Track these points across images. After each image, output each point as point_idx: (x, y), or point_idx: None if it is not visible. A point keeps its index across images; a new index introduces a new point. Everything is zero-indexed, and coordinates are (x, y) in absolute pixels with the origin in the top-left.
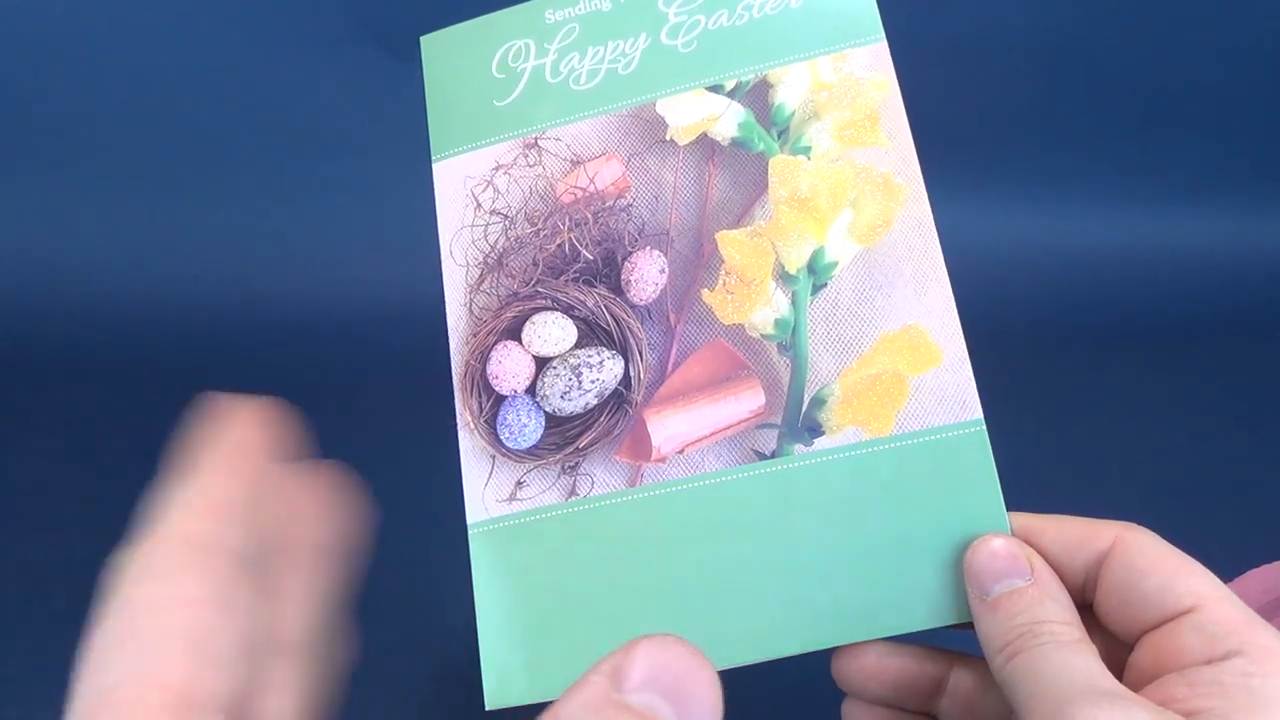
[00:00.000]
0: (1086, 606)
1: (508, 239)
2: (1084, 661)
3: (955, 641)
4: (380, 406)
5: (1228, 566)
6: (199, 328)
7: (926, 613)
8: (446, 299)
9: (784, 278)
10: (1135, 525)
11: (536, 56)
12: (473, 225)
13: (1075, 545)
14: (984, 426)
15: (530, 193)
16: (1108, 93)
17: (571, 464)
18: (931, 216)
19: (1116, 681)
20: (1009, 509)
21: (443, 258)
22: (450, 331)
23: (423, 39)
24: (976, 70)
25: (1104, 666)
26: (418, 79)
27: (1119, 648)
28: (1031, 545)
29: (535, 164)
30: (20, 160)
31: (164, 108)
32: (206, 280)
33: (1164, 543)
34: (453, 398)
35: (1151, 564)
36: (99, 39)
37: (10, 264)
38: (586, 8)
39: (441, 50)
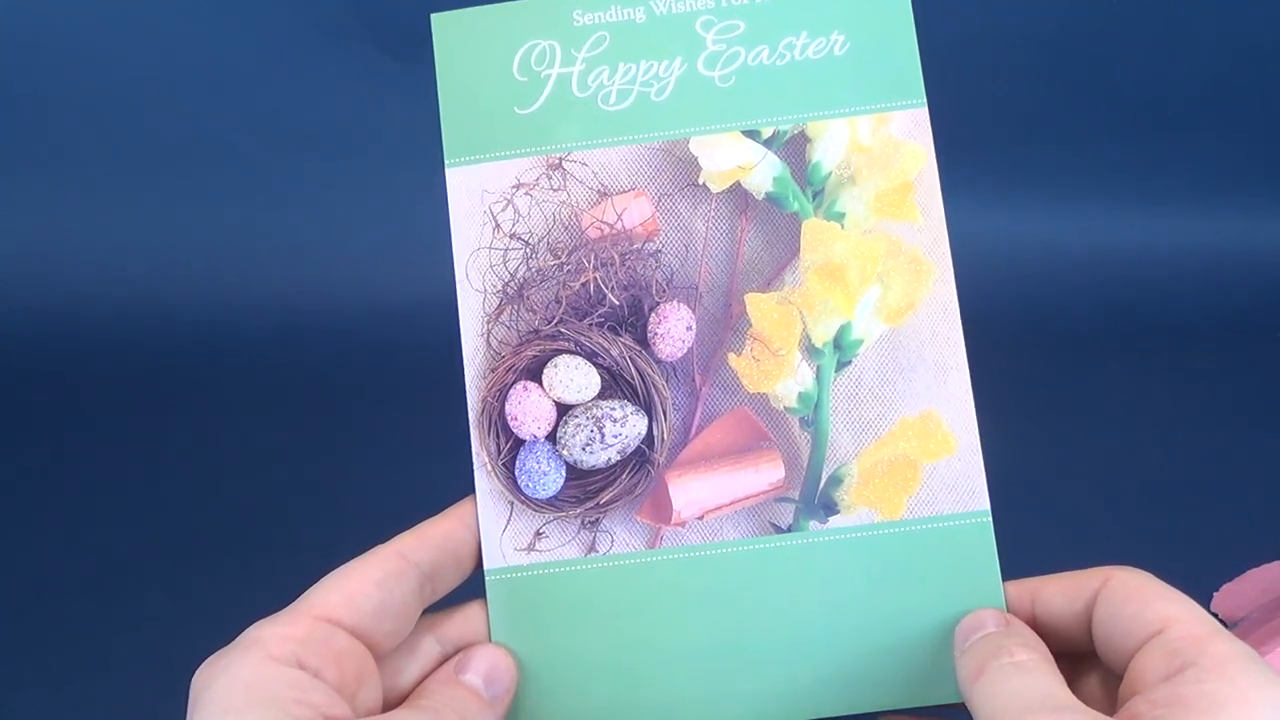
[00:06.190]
0: (1094, 654)
1: (529, 268)
2: (1040, 681)
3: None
4: (396, 434)
5: (1228, 567)
6: (201, 336)
7: (929, 690)
8: (462, 328)
9: (810, 350)
10: (1128, 566)
11: (563, 64)
12: (490, 247)
13: (1074, 592)
14: (989, 517)
15: (554, 220)
16: (1109, 93)
17: (592, 519)
18: (957, 301)
19: (1074, 698)
20: (1011, 525)
21: (458, 280)
22: (465, 363)
23: (434, 17)
24: (978, 72)
25: (1063, 684)
26: (424, 79)
27: (1117, 685)
28: (1033, 599)
29: (560, 188)
30: (20, 160)
31: (169, 110)
32: (214, 288)
33: (1148, 576)
34: (468, 431)
35: (1130, 595)
36: (101, 39)
37: (11, 264)
38: (619, 15)
39: (455, 34)
